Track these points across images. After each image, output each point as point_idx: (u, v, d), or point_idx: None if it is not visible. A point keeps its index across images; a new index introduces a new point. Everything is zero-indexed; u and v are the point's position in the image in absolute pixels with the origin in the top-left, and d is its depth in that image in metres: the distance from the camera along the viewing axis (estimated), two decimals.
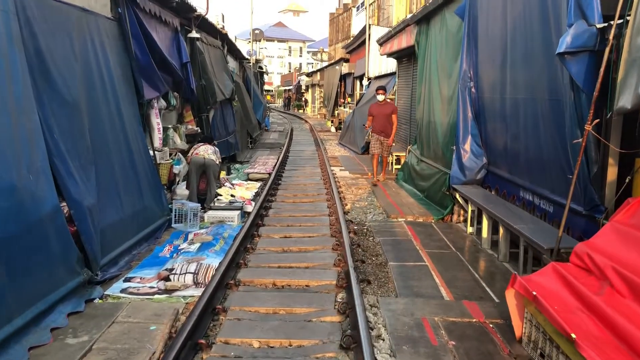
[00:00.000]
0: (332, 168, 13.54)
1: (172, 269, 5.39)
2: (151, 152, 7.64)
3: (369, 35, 20.66)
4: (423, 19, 10.63)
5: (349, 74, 28.37)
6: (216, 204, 8.39)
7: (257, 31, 27.91)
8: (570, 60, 4.29)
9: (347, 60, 29.48)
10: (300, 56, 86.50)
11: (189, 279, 5.21)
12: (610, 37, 3.89)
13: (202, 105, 11.62)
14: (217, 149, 8.91)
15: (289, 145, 19.51)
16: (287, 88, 65.93)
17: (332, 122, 29.05)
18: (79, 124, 5.38)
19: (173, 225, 7.41)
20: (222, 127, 12.95)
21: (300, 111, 50.74)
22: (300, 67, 76.96)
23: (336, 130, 26.51)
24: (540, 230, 5.18)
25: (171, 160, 8.16)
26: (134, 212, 6.40)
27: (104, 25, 6.51)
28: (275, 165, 13.42)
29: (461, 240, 6.98)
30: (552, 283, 3.61)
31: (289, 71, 76.83)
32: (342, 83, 30.37)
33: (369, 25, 21.26)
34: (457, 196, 7.70)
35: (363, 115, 18.39)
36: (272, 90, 73.27)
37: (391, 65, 17.45)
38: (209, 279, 5.17)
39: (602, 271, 3.38)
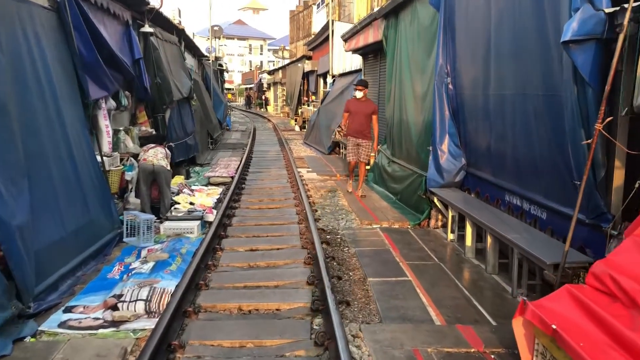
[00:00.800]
0: (299, 169, 12.90)
1: (120, 295, 4.67)
2: (99, 158, 6.84)
3: (332, 31, 20.09)
4: (391, 12, 10.10)
5: (312, 72, 27.74)
6: (173, 214, 7.64)
7: (216, 27, 26.98)
8: (576, 49, 3.77)
9: (309, 58, 28.84)
10: (261, 54, 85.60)
11: (140, 307, 4.49)
12: (625, 23, 3.38)
13: (157, 105, 10.80)
14: (168, 151, 8.15)
15: (252, 146, 18.76)
16: (248, 86, 64.92)
17: (295, 120, 28.40)
18: (6, 130, 4.58)
19: (125, 239, 6.65)
20: (180, 128, 12.14)
21: (262, 110, 49.88)
22: (262, 65, 76.08)
23: (300, 130, 25.89)
24: (537, 240, 4.67)
25: (122, 167, 7.36)
26: (78, 227, 5.63)
27: (39, 14, 5.70)
28: (238, 167, 12.68)
29: (442, 248, 6.45)
30: (569, 311, 3.07)
31: (250, 69, 75.76)
32: (305, 81, 29.73)
33: (332, 21, 20.68)
34: (435, 200, 7.18)
35: (328, 113, 17.84)
36: (233, 89, 72.13)
37: (356, 61, 16.92)
38: (164, 306, 4.46)
39: (632, 299, 2.86)
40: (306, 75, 29.26)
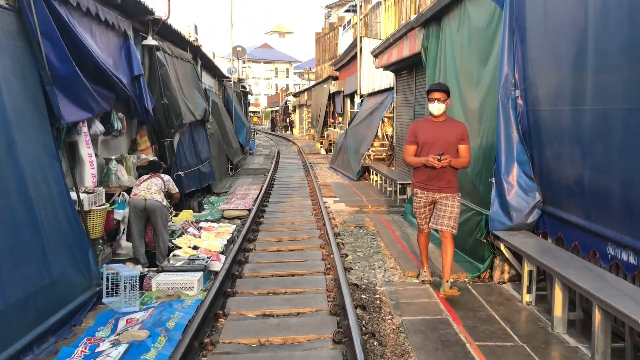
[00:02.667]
0: (325, 199, 11.41)
1: None
2: (74, 196, 5.45)
3: (360, 48, 18.73)
4: (432, 19, 8.62)
5: (338, 93, 26.43)
6: (171, 262, 6.19)
7: (239, 48, 25.92)
8: None
9: (335, 78, 27.57)
10: (287, 77, 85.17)
11: None
12: None
13: (163, 129, 9.49)
14: (169, 182, 6.76)
15: (274, 171, 17.39)
16: (274, 109, 64.13)
17: (321, 143, 27.02)
18: None
19: (104, 300, 5.20)
20: (192, 155, 10.78)
21: (288, 132, 48.75)
22: (287, 88, 75.42)
23: (326, 153, 24.49)
24: None
25: (106, 206, 5.95)
26: (29, 294, 4.20)
27: None
28: (257, 197, 11.26)
29: (518, 316, 4.83)
30: None
31: (276, 92, 75.19)
32: (331, 102, 28.42)
33: (360, 37, 19.32)
34: (502, 248, 5.58)
35: (357, 135, 16.38)
36: (259, 112, 71.59)
37: (387, 79, 15.50)
38: None
39: None
40: (332, 97, 27.97)
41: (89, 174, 6.06)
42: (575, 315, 4.55)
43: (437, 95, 5.23)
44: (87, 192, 5.78)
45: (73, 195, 5.42)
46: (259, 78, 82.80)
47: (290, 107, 51.42)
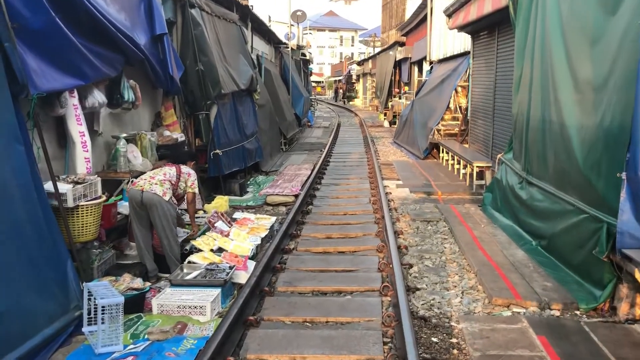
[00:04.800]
0: (386, 182, 9.82)
1: None
2: (51, 188, 4.17)
3: (431, 8, 16.66)
4: None
5: (404, 60, 24.38)
6: (185, 271, 4.85)
7: (299, 12, 24.23)
8: None
9: (402, 44, 25.46)
10: (352, 45, 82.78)
11: None
12: None
13: (198, 100, 8.15)
14: (190, 175, 5.37)
15: (332, 146, 15.90)
16: (337, 78, 62.26)
17: (385, 115, 25.20)
18: None
19: (84, 330, 3.91)
20: (234, 130, 9.41)
21: (351, 103, 46.93)
22: (352, 56, 73.19)
23: (390, 125, 22.69)
24: None
25: (101, 199, 4.62)
26: None
27: None
28: (307, 179, 9.81)
29: None
30: None
31: (340, 61, 73.16)
32: (397, 70, 26.39)
33: None
34: (637, 273, 3.86)
35: (425, 107, 14.53)
36: (322, 82, 69.96)
37: (461, 43, 13.49)
38: None
39: None
40: (398, 64, 25.93)
41: (82, 159, 4.77)
42: None
43: None
44: (77, 182, 4.49)
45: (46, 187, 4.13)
46: (323, 47, 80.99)
47: (354, 77, 49.44)
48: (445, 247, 6.07)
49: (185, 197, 5.41)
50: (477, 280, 4.96)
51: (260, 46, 15.13)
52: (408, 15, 29.68)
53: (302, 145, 16.80)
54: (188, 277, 4.68)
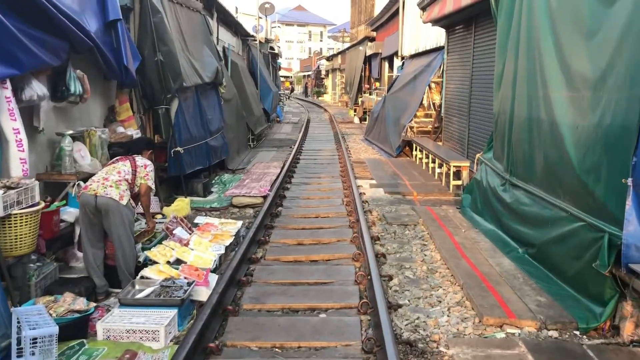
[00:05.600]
0: (359, 181, 9.36)
1: None
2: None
3: (404, 2, 16.26)
4: None
5: (374, 55, 24.01)
6: (137, 287, 4.26)
7: (267, 5, 23.56)
8: None
9: (372, 40, 25.05)
10: (321, 41, 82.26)
11: None
12: None
13: (157, 94, 7.51)
14: (146, 167, 4.76)
15: (302, 142, 15.37)
16: (306, 74, 61.68)
17: (355, 111, 24.77)
18: None
19: None
20: (197, 126, 8.78)
21: (320, 98, 46.45)
22: (321, 52, 72.69)
23: (360, 122, 22.28)
24: None
25: (39, 206, 3.99)
26: None
27: None
28: (276, 178, 9.27)
29: None
30: None
31: (309, 56, 72.56)
32: (367, 66, 26.02)
33: None
34: None
35: (397, 103, 14.10)
36: (291, 77, 69.27)
37: (434, 38, 13.11)
38: None
39: None
40: (368, 60, 25.56)
41: (16, 159, 4.13)
42: None
43: None
44: (9, 187, 3.86)
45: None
46: (292, 41, 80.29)
47: (323, 72, 48.97)
48: (425, 255, 5.62)
49: (137, 193, 4.77)
50: (464, 294, 4.52)
51: (226, 38, 14.48)
52: (377, 10, 29.30)
53: (271, 141, 16.21)
54: (140, 296, 4.09)
